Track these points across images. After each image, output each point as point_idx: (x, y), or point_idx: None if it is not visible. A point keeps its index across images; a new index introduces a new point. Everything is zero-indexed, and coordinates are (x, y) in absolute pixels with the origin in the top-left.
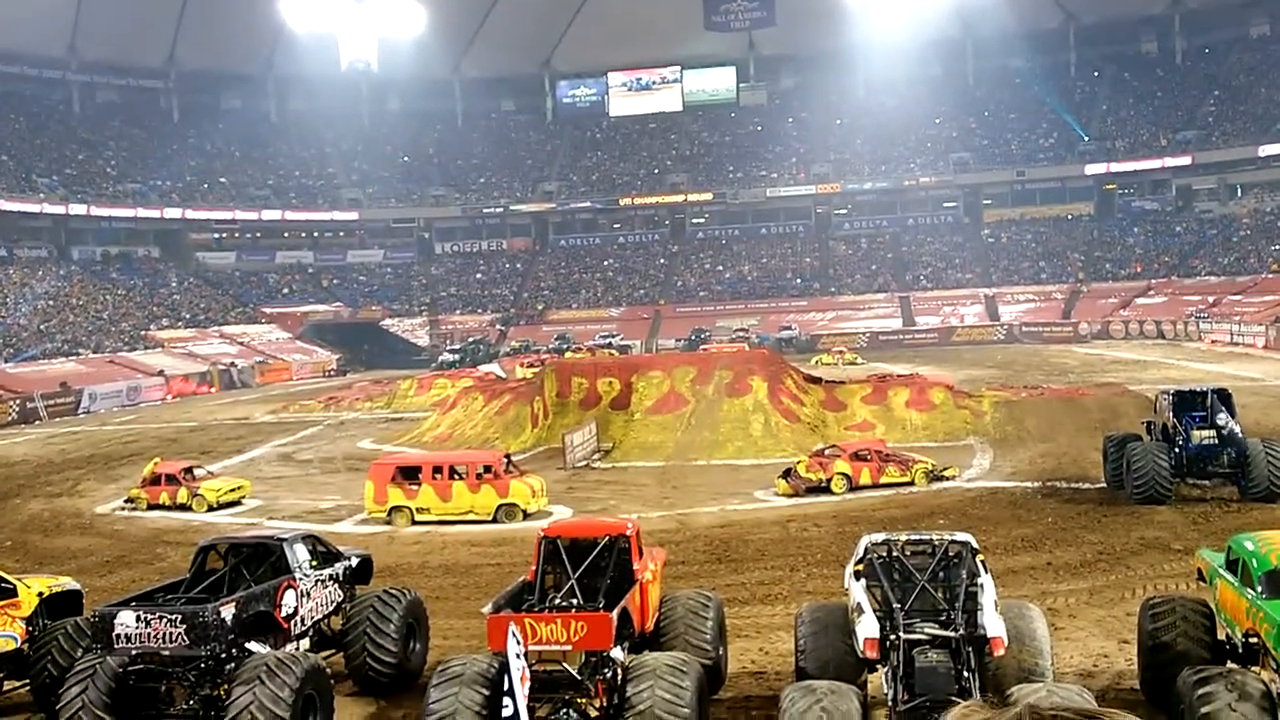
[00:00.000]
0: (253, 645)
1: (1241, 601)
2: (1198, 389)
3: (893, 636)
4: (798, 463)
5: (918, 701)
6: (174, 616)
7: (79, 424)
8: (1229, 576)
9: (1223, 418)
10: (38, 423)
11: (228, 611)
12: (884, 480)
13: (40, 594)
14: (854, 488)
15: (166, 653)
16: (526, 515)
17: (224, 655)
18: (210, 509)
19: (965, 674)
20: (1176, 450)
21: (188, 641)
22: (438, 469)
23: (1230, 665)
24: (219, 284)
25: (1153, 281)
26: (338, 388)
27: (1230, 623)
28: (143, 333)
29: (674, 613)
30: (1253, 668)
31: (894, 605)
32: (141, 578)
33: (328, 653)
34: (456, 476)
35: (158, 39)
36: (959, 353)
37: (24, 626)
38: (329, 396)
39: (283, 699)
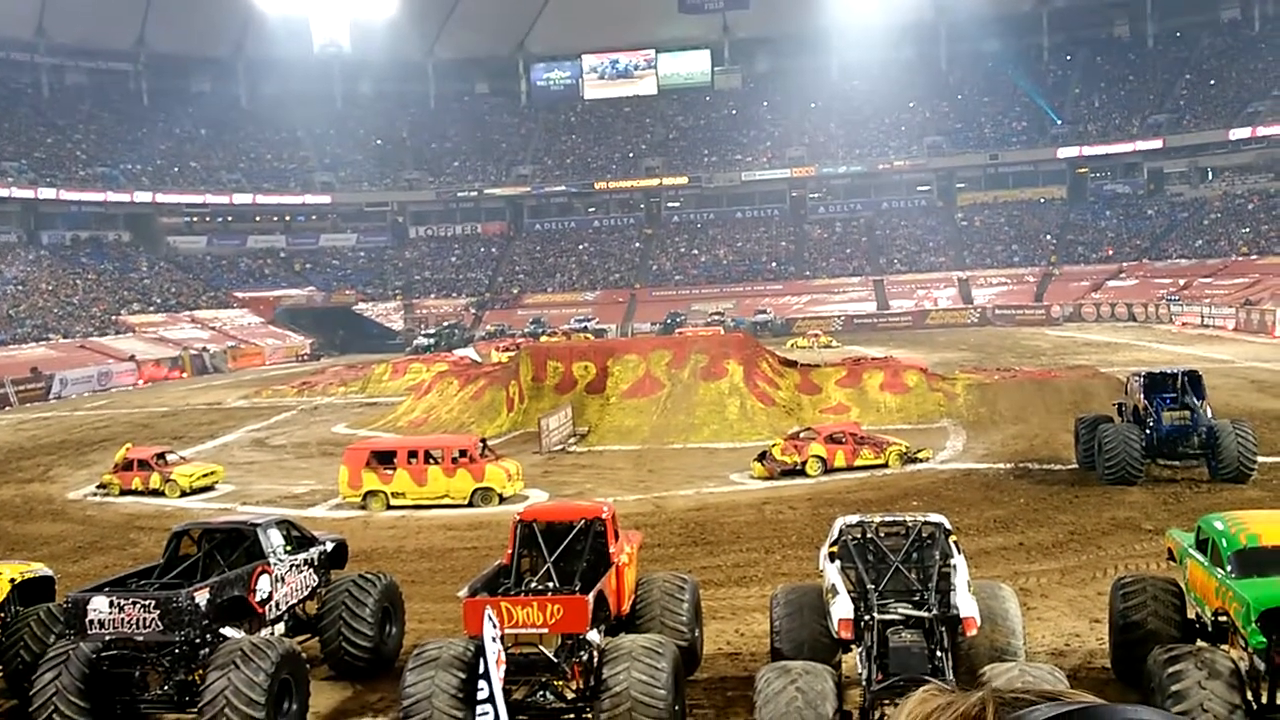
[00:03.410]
0: (227, 630)
1: (1211, 581)
2: (1168, 371)
3: (867, 617)
4: (773, 446)
5: (891, 681)
6: (148, 602)
7: (50, 409)
8: (1199, 556)
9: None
10: (8, 408)
11: (202, 597)
12: (858, 463)
13: (12, 580)
14: (829, 470)
15: (140, 638)
16: (502, 499)
17: (198, 640)
18: (183, 494)
19: (938, 654)
20: (1147, 432)
21: (161, 627)
22: (413, 453)
23: (1200, 644)
24: (190, 268)
25: (1124, 264)
26: (311, 372)
27: (1200, 602)
28: (114, 317)
29: (650, 595)
30: (1222, 646)
31: (868, 586)
32: (114, 563)
33: (303, 637)
34: (432, 461)
35: (127, 21)
36: (932, 336)
37: None
38: (302, 381)
39: (258, 684)
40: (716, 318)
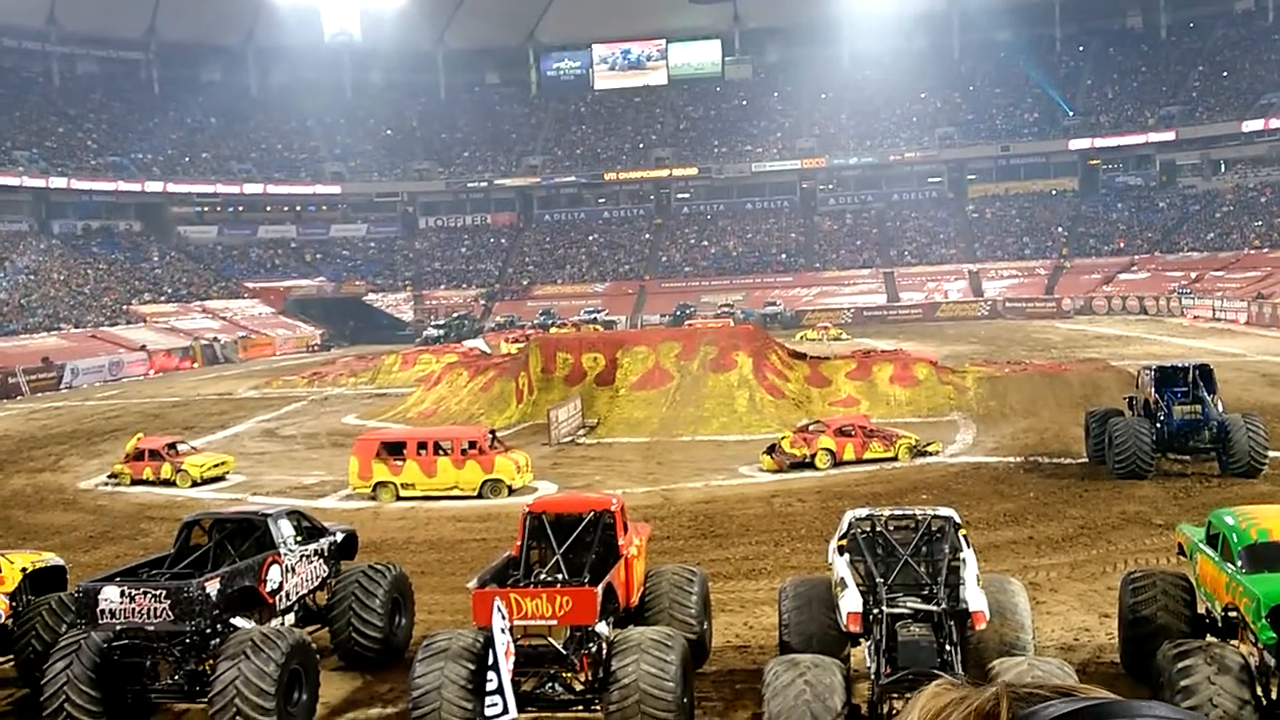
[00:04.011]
0: (238, 620)
1: (1221, 576)
2: (1179, 364)
3: (875, 610)
4: (782, 438)
5: (900, 675)
6: (158, 592)
7: (61, 399)
8: (1209, 551)
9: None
10: (19, 398)
11: (212, 587)
12: (868, 456)
13: (24, 570)
14: (838, 463)
15: (151, 628)
16: (511, 491)
17: (209, 630)
18: (194, 484)
19: (947, 648)
20: (1158, 425)
21: (172, 617)
22: (422, 445)
23: (1210, 639)
24: (201, 258)
25: (1136, 257)
26: (321, 363)
27: (1210, 597)
28: (125, 307)
29: (659, 587)
30: (1232, 641)
31: (877, 580)
32: (125, 553)
33: (313, 628)
34: (441, 452)
35: (137, 10)
36: (943, 328)
37: (7, 602)
38: (313, 372)
39: (268, 674)
40: (726, 309)
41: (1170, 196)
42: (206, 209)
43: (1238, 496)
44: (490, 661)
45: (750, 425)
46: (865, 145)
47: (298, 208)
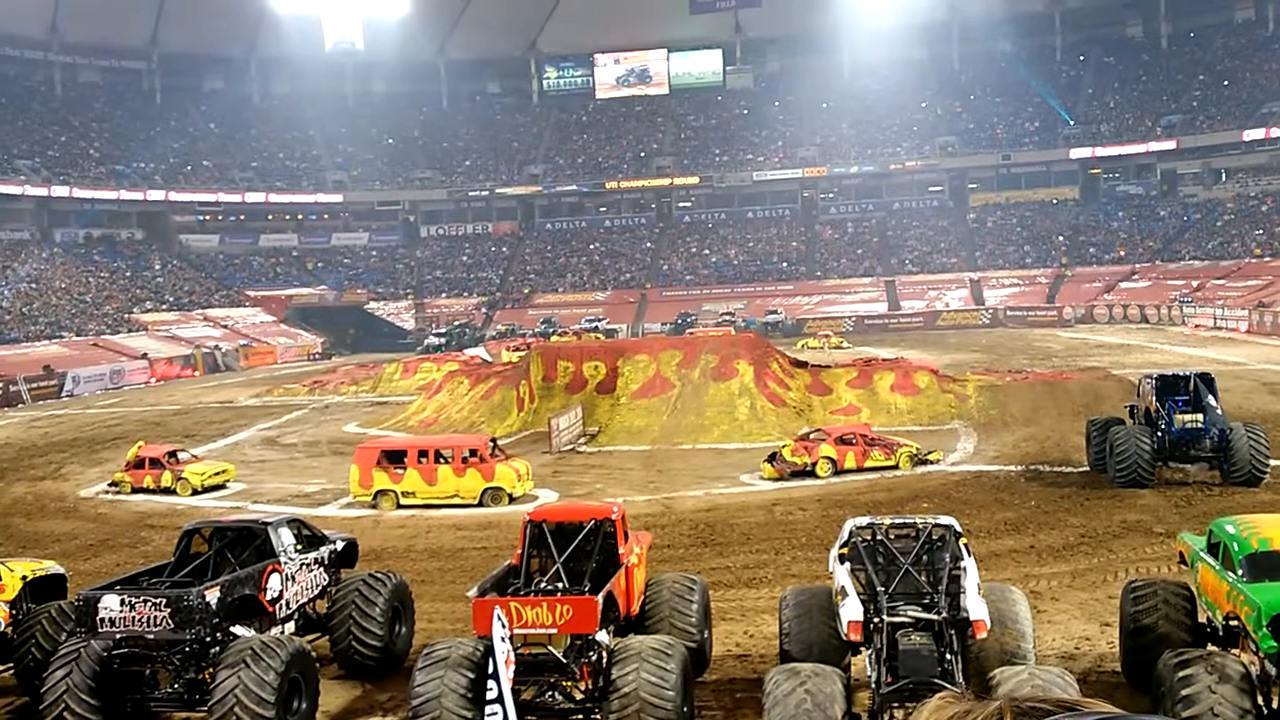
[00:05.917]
0: (237, 629)
1: (1222, 585)
2: (1181, 373)
3: (876, 619)
4: (783, 447)
5: (901, 684)
6: (158, 600)
7: (62, 407)
8: (1210, 560)
9: (1206, 401)
10: (20, 406)
11: (212, 595)
12: (869, 464)
13: (24, 578)
14: (839, 472)
15: (151, 636)
16: (512, 499)
17: (209, 639)
18: (194, 493)
19: (948, 657)
20: (1159, 434)
21: (172, 625)
22: (423, 453)
23: (1211, 648)
24: (203, 267)
25: (1137, 266)
26: (323, 371)
27: (1211, 606)
28: (126, 315)
29: (659, 596)
30: (1233, 650)
31: (878, 588)
32: (126, 561)
33: (313, 636)
34: (442, 460)
35: (140, 20)
36: (944, 337)
37: (7, 610)
38: (314, 380)
39: (268, 682)
40: (727, 318)
41: (1171, 205)
42: (208, 217)
43: (1239, 505)
44: (490, 670)
45: (751, 433)
46: (866, 154)
47: (299, 216)
